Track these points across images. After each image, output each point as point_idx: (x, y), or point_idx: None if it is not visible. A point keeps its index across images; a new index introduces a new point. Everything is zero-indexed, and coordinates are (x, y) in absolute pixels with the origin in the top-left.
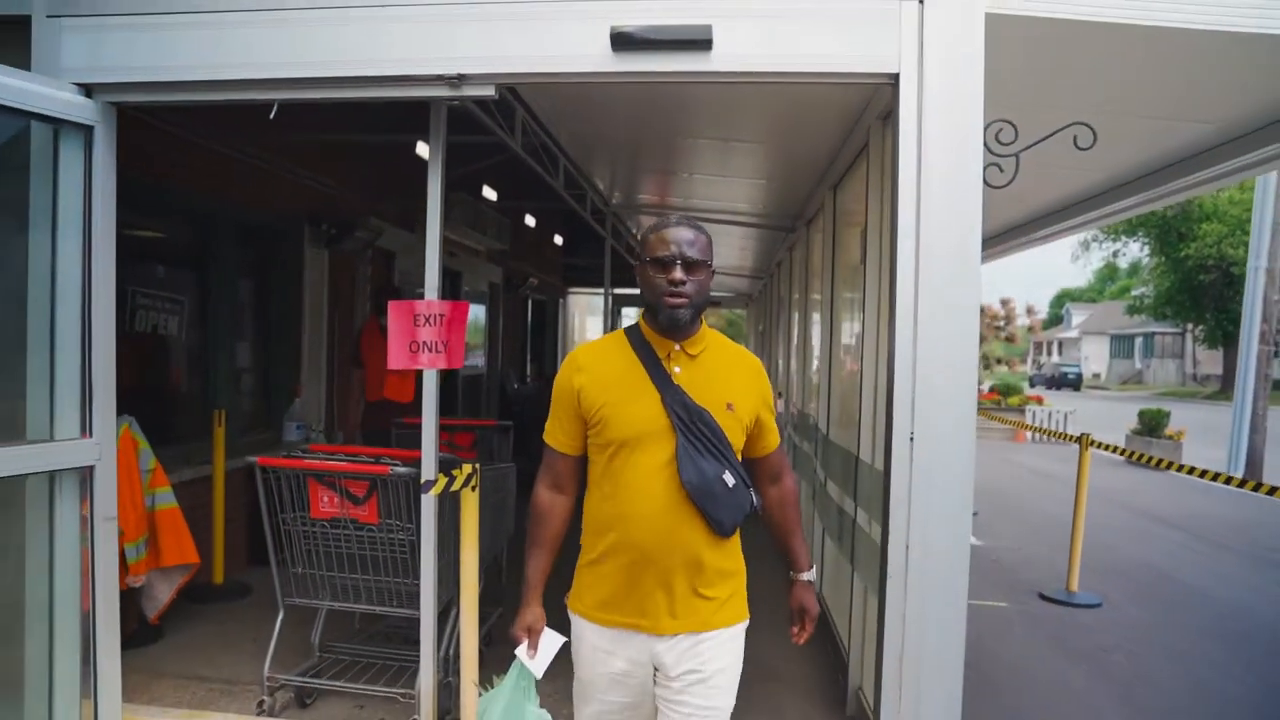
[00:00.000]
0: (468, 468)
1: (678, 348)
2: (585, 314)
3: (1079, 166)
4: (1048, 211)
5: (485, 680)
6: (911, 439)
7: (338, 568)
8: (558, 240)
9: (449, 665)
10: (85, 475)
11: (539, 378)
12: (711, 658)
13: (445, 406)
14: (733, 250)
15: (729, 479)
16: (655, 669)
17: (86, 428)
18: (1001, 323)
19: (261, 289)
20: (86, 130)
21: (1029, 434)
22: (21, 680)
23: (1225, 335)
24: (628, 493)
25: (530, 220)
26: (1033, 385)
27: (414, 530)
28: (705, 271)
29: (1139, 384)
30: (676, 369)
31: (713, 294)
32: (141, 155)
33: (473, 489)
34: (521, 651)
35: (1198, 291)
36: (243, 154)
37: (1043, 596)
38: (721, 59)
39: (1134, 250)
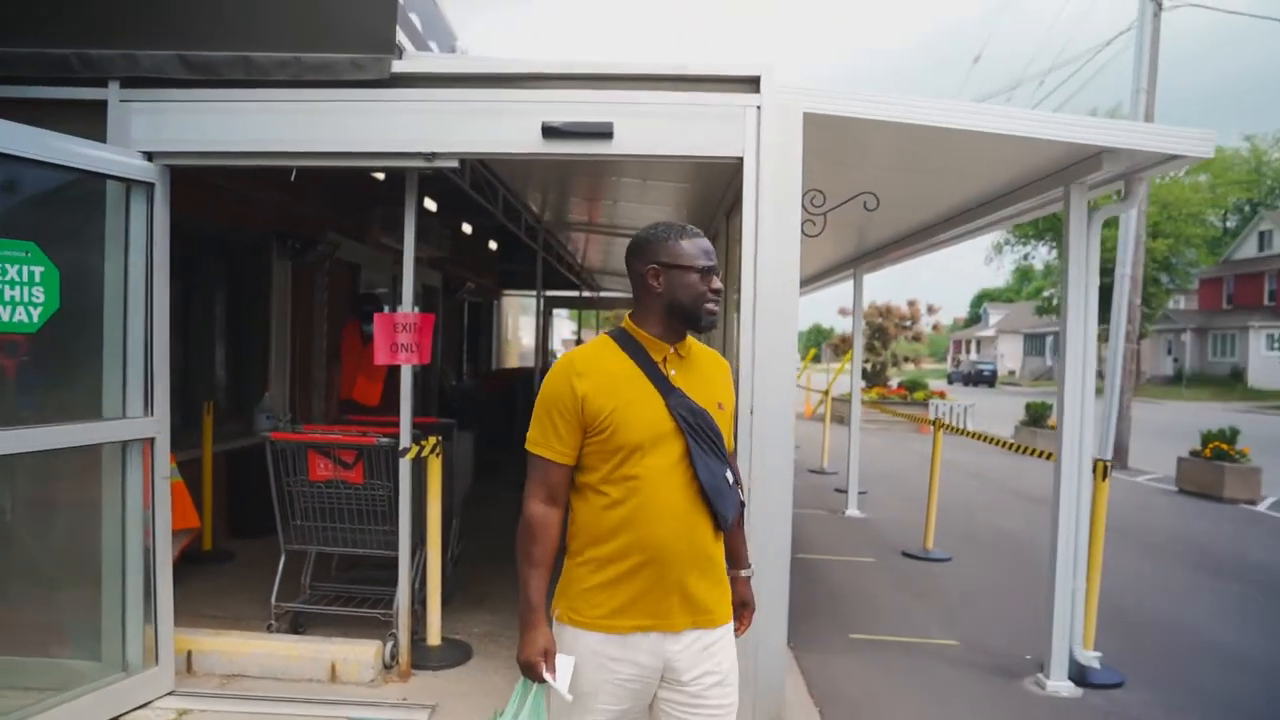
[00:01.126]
0: (433, 439)
1: (672, 351)
2: (519, 314)
3: (915, 206)
4: (910, 233)
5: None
6: (751, 412)
7: (329, 519)
8: (493, 246)
9: (415, 594)
10: (148, 445)
11: (474, 375)
12: (724, 657)
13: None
14: None
15: (729, 477)
16: (664, 671)
17: (149, 408)
18: (908, 323)
19: (235, 298)
20: (149, 186)
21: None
22: (99, 606)
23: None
24: (642, 497)
25: (468, 228)
26: (951, 382)
27: (392, 487)
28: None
29: (1049, 380)
30: (673, 372)
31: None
32: None
33: (436, 455)
34: (548, 676)
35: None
36: (223, 183)
37: (904, 554)
38: (621, 145)
39: (1043, 253)
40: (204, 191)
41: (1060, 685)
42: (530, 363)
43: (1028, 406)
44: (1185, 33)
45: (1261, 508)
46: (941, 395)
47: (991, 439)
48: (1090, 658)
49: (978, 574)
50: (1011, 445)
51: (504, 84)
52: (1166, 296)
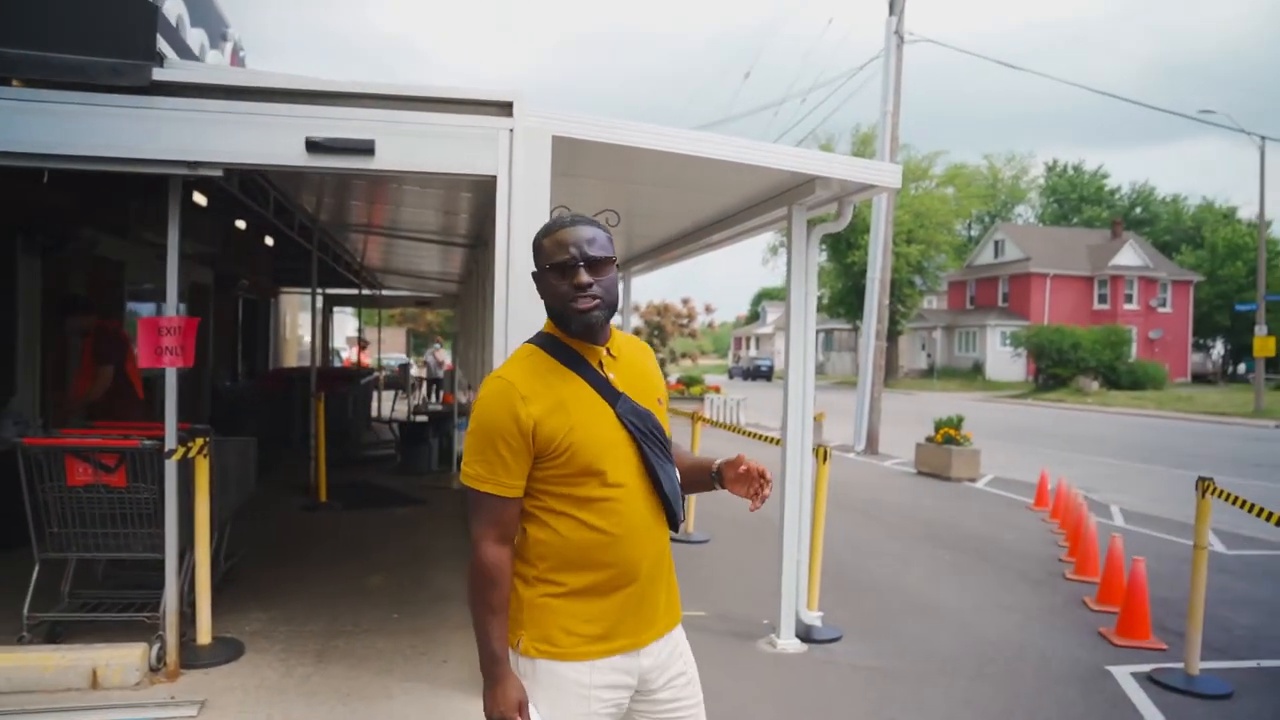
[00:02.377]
0: (200, 440)
1: (605, 352)
2: (299, 312)
3: (670, 217)
4: (670, 240)
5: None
6: None
7: (90, 524)
8: (269, 242)
9: (185, 596)
10: None
11: (251, 375)
12: (687, 656)
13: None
14: (441, 260)
15: (676, 474)
16: (636, 687)
17: None
18: (685, 320)
19: None
20: None
21: (708, 418)
22: None
23: (887, 332)
24: (618, 517)
25: (241, 224)
26: (732, 377)
27: (157, 490)
28: (611, 267)
29: (821, 375)
30: (611, 375)
31: (425, 295)
32: None
33: (204, 456)
34: None
35: (863, 293)
36: None
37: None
38: (382, 161)
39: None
40: None
41: (788, 643)
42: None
43: None
44: (934, 60)
45: (980, 484)
46: (716, 390)
47: (743, 430)
48: (813, 618)
49: (732, 553)
50: (756, 435)
51: (270, 98)
52: (920, 297)
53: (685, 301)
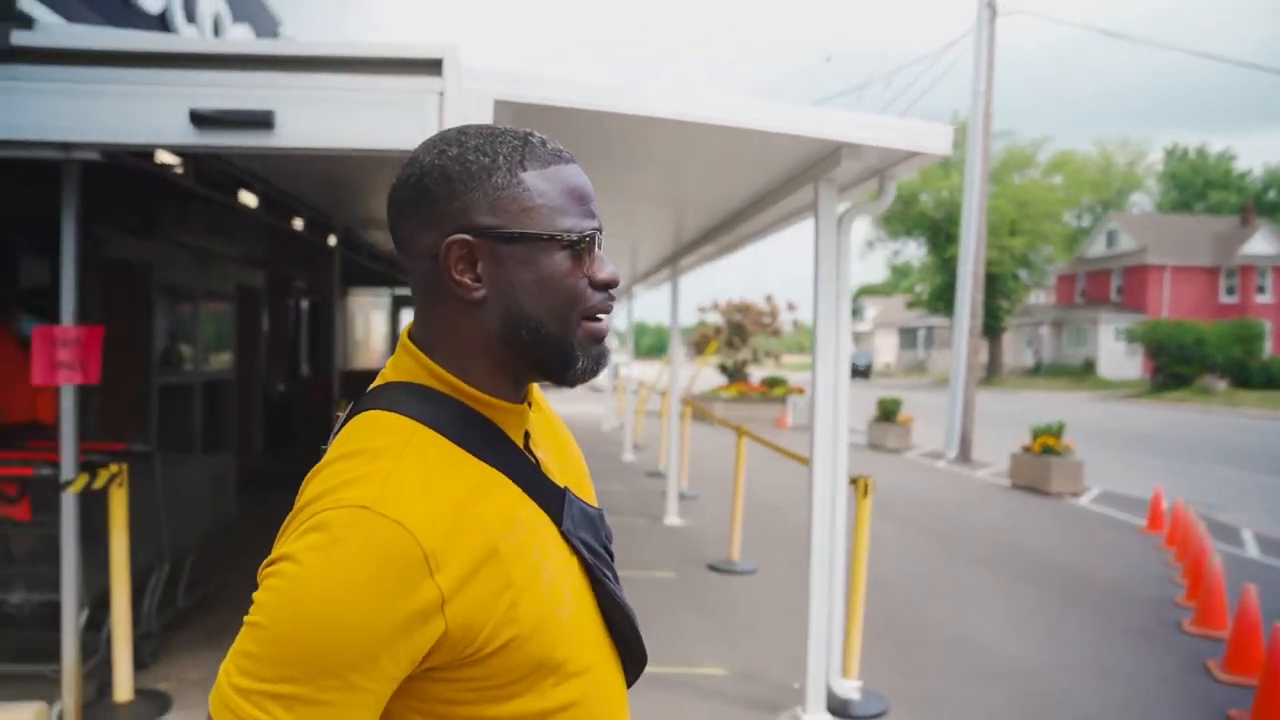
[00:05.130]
0: (114, 467)
1: (530, 414)
2: (371, 312)
3: (686, 204)
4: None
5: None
6: None
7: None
8: (332, 241)
9: (107, 645)
10: None
11: (314, 378)
12: None
13: (180, 409)
14: None
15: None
16: None
17: None
18: (768, 318)
19: None
20: None
21: (790, 420)
22: None
23: (987, 328)
24: (578, 709)
25: (300, 224)
26: None
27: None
28: None
29: (922, 372)
30: (539, 455)
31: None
32: None
33: (120, 486)
34: None
35: None
36: None
37: (709, 566)
38: (285, 136)
39: (913, 249)
40: None
41: None
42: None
43: (879, 402)
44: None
45: (1084, 501)
46: (801, 391)
47: (783, 451)
48: (850, 688)
49: (782, 586)
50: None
51: (150, 63)
52: (1025, 292)
53: (768, 298)
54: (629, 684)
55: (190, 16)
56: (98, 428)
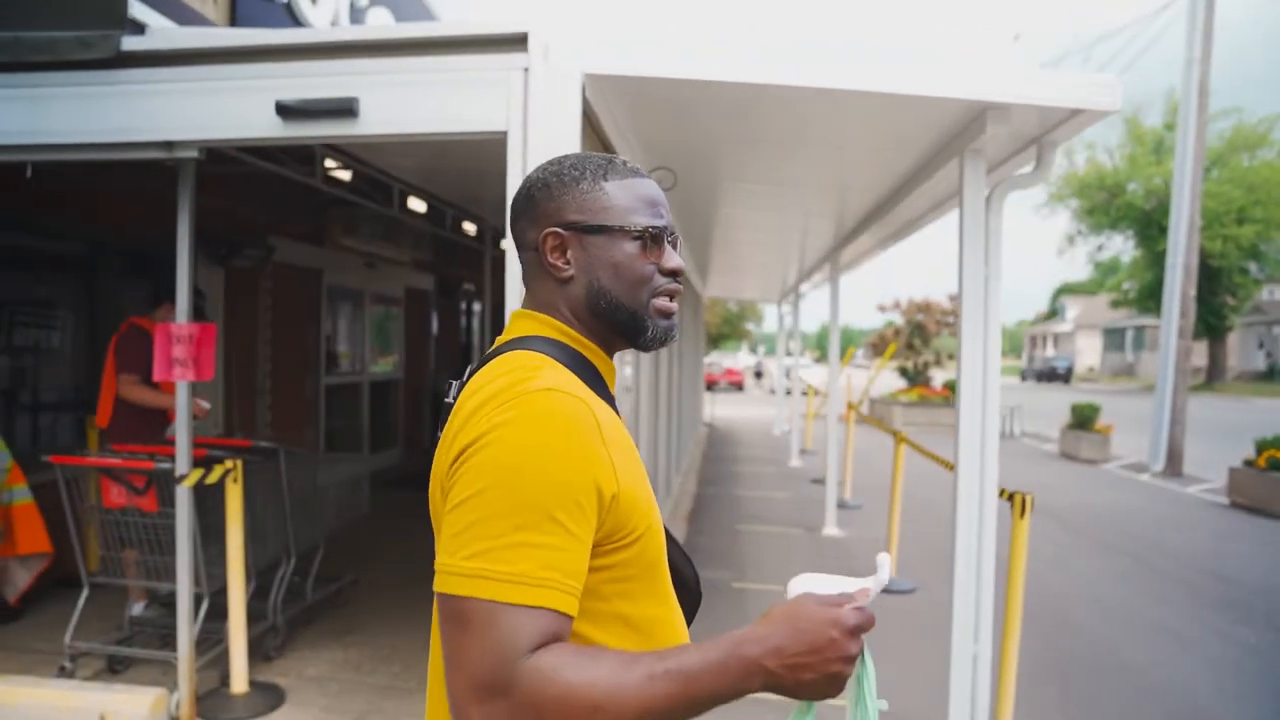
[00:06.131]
0: (229, 463)
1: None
2: None
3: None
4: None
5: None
6: None
7: (135, 550)
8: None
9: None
10: None
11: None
12: None
13: (349, 408)
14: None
15: None
16: None
17: None
18: (951, 318)
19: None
20: None
21: None
22: None
23: (1209, 328)
24: (668, 624)
25: (471, 227)
26: (1024, 379)
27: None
28: None
29: (1130, 376)
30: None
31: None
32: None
33: (235, 481)
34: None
35: None
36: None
37: None
38: (368, 123)
39: (1118, 244)
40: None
41: None
42: None
43: (1073, 408)
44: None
45: None
46: None
47: (937, 459)
48: None
49: (938, 611)
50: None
51: (236, 59)
52: (1256, 287)
53: (952, 298)
54: (688, 622)
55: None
56: (268, 425)
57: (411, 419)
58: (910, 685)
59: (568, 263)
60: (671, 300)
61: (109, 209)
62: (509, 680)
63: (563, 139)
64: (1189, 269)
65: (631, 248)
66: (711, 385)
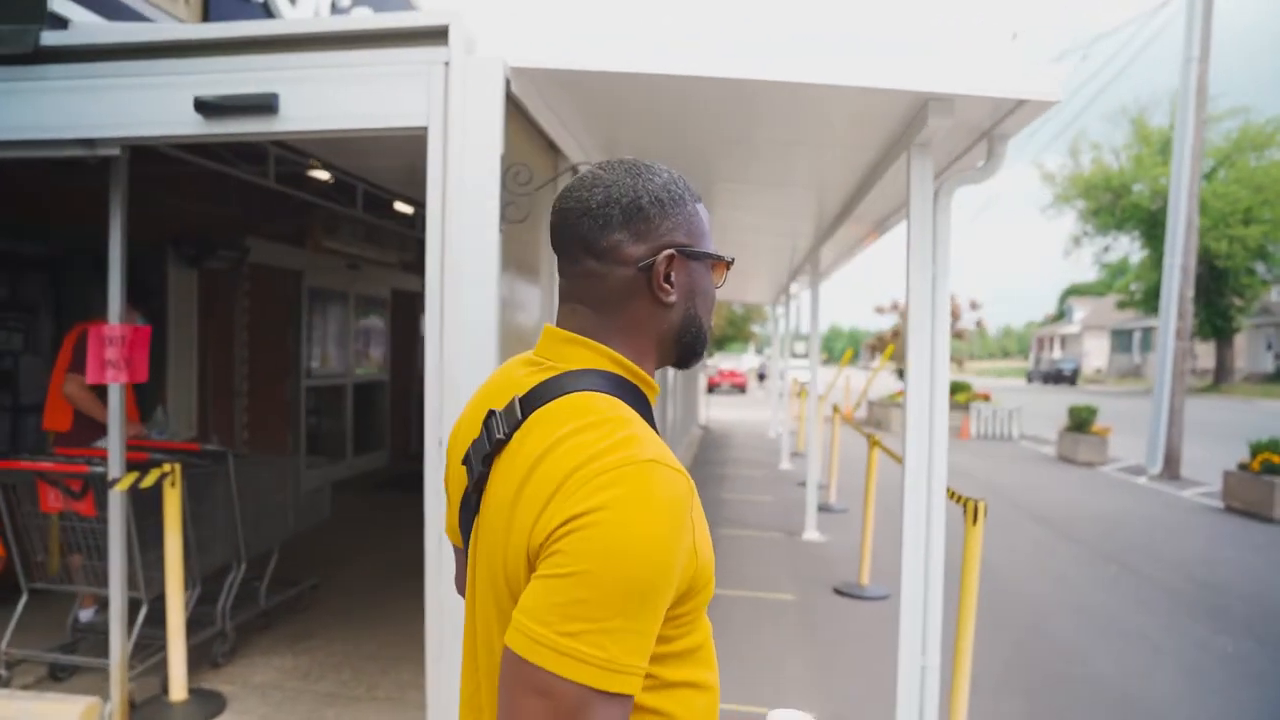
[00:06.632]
0: (166, 466)
1: None
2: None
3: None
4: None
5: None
6: (440, 444)
7: (85, 554)
8: None
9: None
10: None
11: None
12: None
13: (332, 411)
14: None
15: None
16: None
17: None
18: (949, 320)
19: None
20: None
21: (973, 430)
22: None
23: (1215, 329)
24: (712, 657)
25: None
26: (1030, 381)
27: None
28: None
29: (1137, 378)
30: None
31: None
32: None
33: (173, 486)
34: None
35: None
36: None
37: (836, 590)
38: (289, 120)
39: (1124, 245)
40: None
41: None
42: None
43: (1071, 410)
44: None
45: None
46: (985, 398)
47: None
48: None
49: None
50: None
51: (156, 54)
52: (1264, 288)
53: (950, 298)
54: None
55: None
56: (245, 428)
57: (398, 422)
58: (864, 697)
59: (674, 286)
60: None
61: (74, 210)
62: None
63: (486, 134)
64: (1187, 269)
65: (716, 276)
66: (714, 387)
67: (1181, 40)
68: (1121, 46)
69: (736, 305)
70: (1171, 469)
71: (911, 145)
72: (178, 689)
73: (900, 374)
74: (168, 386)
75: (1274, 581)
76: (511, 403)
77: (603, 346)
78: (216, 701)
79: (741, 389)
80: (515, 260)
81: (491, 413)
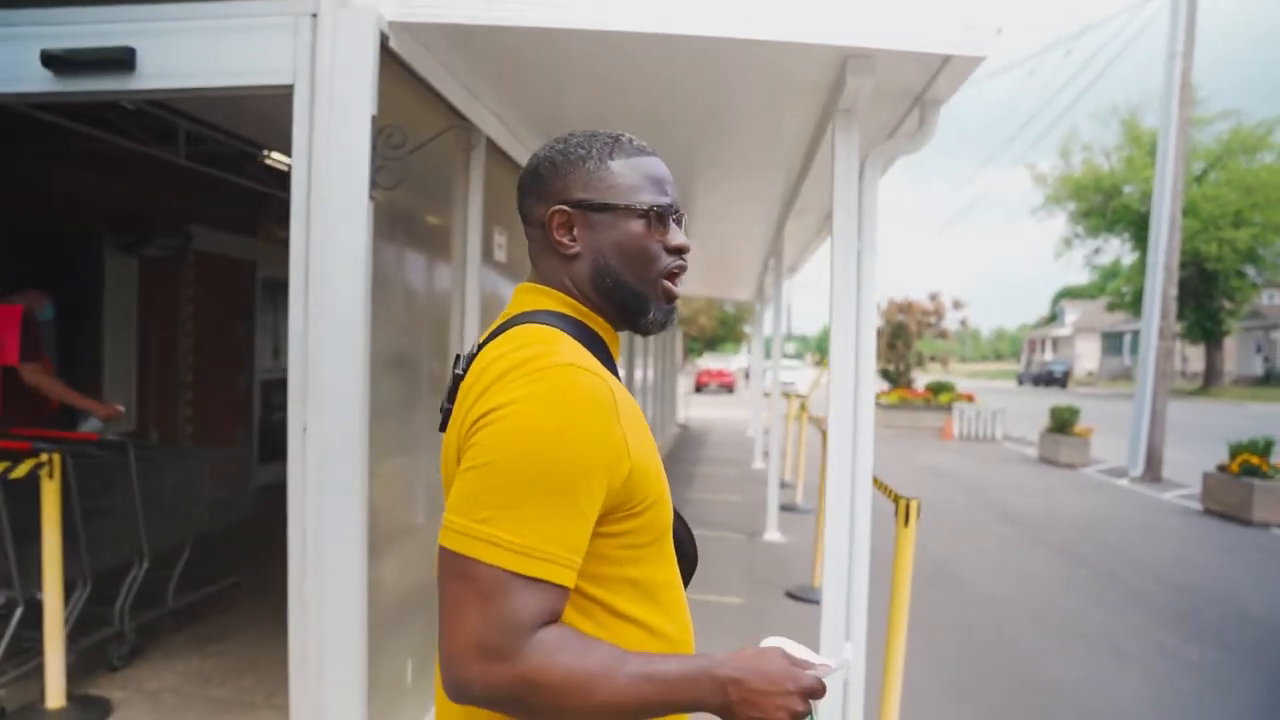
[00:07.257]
0: (43, 456)
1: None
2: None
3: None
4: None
5: None
6: (304, 430)
7: None
8: None
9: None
10: None
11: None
12: None
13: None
14: None
15: None
16: None
17: None
18: (932, 319)
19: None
20: None
21: (956, 431)
22: None
23: (1205, 332)
24: (678, 614)
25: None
26: (1021, 383)
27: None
28: None
29: (1128, 380)
30: None
31: None
32: None
33: (50, 477)
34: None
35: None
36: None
37: (789, 593)
38: (146, 77)
39: (1115, 247)
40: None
41: None
42: None
43: (1052, 411)
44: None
45: None
46: (969, 398)
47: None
48: None
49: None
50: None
51: (5, 3)
52: (1254, 291)
53: (933, 297)
54: (685, 585)
55: None
56: (188, 422)
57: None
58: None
59: (574, 240)
60: (677, 275)
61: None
62: (513, 650)
63: (356, 91)
64: (1170, 268)
65: (637, 226)
66: (701, 387)
67: (1166, 36)
68: (1108, 40)
69: (729, 305)
70: (1153, 471)
71: (835, 112)
72: (55, 695)
73: (885, 374)
74: (104, 379)
75: (1245, 584)
76: (474, 346)
77: (555, 291)
78: (99, 708)
79: (729, 389)
80: (405, 233)
81: (457, 356)
